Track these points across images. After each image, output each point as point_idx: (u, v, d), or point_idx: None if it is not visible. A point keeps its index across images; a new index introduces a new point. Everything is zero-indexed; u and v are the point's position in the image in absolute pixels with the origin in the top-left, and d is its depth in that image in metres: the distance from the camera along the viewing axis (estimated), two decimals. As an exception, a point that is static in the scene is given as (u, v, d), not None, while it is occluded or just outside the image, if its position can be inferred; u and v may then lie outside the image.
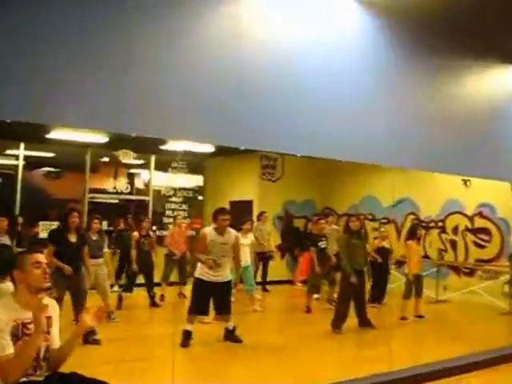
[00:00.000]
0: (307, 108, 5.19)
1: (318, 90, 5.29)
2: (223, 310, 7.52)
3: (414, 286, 9.38)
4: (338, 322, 8.41)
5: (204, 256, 7.21)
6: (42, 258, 3.38)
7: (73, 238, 7.25)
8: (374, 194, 13.69)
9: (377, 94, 5.86)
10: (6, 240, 8.10)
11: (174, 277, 10.59)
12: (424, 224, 12.42)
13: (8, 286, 3.77)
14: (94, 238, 8.40)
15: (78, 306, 7.02)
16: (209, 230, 7.35)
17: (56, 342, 3.43)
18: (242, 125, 4.85)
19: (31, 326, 3.24)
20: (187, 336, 7.24)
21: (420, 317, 9.48)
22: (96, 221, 8.56)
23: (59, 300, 6.56)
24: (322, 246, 10.21)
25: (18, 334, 3.19)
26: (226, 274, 7.43)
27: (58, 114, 3.98)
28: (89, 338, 6.96)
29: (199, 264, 7.36)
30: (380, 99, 5.88)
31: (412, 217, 12.99)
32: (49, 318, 3.38)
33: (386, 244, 10.99)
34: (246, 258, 9.70)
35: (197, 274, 7.39)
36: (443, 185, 11.79)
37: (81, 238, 7.38)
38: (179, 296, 10.33)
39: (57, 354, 3.38)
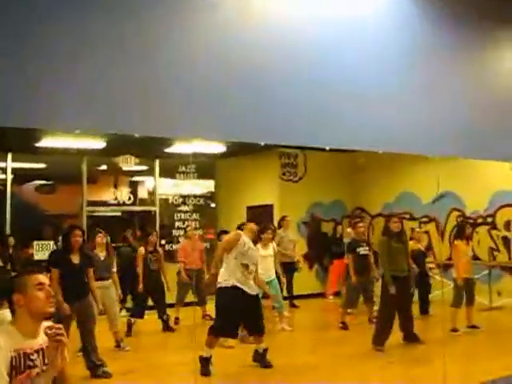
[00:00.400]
0: (336, 95, 5.12)
1: (345, 74, 5.23)
2: (257, 328, 7.43)
3: (465, 291, 9.25)
4: (380, 338, 8.29)
5: (233, 260, 7.17)
6: (44, 278, 3.32)
7: (76, 260, 7.15)
8: (411, 190, 13.53)
9: (413, 75, 5.79)
10: (-1, 264, 8.14)
11: (189, 296, 10.45)
12: (471, 221, 12.26)
13: (4, 314, 3.71)
14: (102, 256, 8.36)
15: (86, 334, 7.03)
16: (243, 233, 7.43)
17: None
18: (260, 117, 4.79)
19: (34, 357, 3.19)
20: (207, 363, 7.04)
21: (474, 327, 9.34)
22: (100, 235, 8.50)
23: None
24: (362, 253, 10.04)
25: (20, 365, 3.14)
26: (255, 286, 7.39)
27: (48, 116, 3.95)
28: (98, 371, 6.93)
29: (225, 271, 7.22)
30: (416, 81, 5.80)
31: (456, 213, 12.84)
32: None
33: (421, 246, 10.87)
34: (270, 271, 9.62)
35: (223, 282, 7.16)
36: (490, 175, 11.62)
37: (85, 258, 7.30)
38: (204, 318, 10.19)
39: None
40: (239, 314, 7.20)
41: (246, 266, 7.17)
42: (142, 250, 9.85)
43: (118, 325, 8.56)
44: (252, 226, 7.58)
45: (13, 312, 3.29)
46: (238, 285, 7.12)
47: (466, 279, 9.29)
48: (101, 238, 8.47)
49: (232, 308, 7.10)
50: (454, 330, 9.09)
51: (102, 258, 8.36)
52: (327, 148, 5.25)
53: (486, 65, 6.57)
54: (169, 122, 4.37)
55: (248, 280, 7.22)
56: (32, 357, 3.20)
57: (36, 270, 3.40)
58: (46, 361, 3.26)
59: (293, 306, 12.29)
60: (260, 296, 7.83)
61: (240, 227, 7.74)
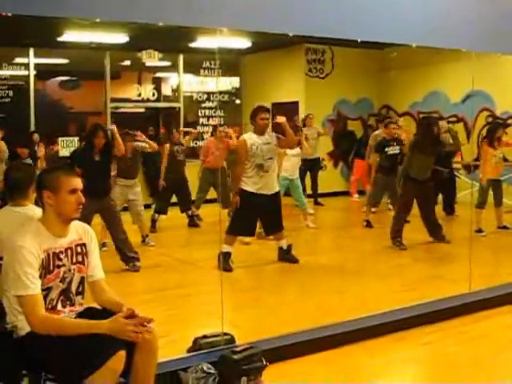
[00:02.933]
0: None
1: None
2: (275, 226, 7.43)
3: (493, 193, 9.12)
4: (393, 229, 8.37)
5: (248, 163, 7.06)
6: (79, 183, 3.20)
7: (98, 157, 7.17)
8: (440, 89, 13.19)
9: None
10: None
11: (212, 193, 10.36)
12: (501, 121, 11.94)
13: (32, 209, 3.65)
14: (128, 159, 8.32)
15: (113, 231, 7.16)
16: (247, 135, 7.23)
17: (95, 273, 3.32)
18: (288, 7, 4.53)
19: (63, 256, 3.15)
20: (227, 258, 7.06)
21: (505, 228, 9.31)
22: (129, 141, 8.41)
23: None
24: (391, 153, 9.74)
25: (50, 265, 3.09)
26: (274, 183, 7.31)
27: (68, 3, 3.74)
28: (129, 264, 7.11)
29: (244, 177, 7.17)
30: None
31: (486, 113, 12.51)
32: (82, 245, 3.27)
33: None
34: (294, 170, 9.56)
35: (243, 185, 7.16)
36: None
37: (107, 155, 7.29)
38: (229, 215, 10.13)
39: (97, 288, 3.31)
40: (256, 214, 7.25)
41: (261, 166, 7.06)
42: (167, 146, 9.79)
43: (142, 220, 8.63)
44: (261, 118, 7.06)
45: (43, 207, 3.21)
46: (255, 191, 7.09)
47: (492, 180, 9.13)
48: (130, 144, 8.39)
49: (249, 210, 7.11)
50: (479, 230, 8.97)
51: (128, 161, 8.33)
52: (359, 40, 4.97)
53: None
54: (193, 11, 4.13)
55: (266, 179, 7.11)
56: (61, 255, 3.16)
57: (73, 172, 3.29)
58: (74, 260, 3.22)
59: (317, 203, 12.28)
60: (282, 193, 7.77)
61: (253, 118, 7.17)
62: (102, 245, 7.70)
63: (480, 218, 9.04)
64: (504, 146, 9.49)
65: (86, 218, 6.60)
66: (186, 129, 11.51)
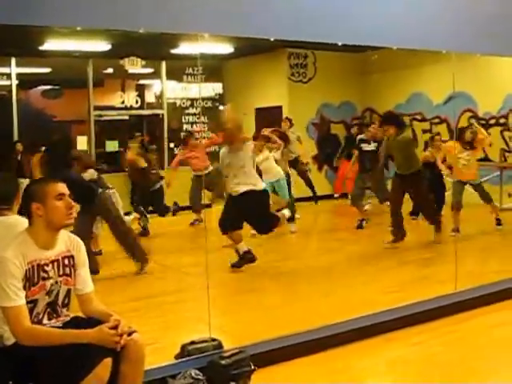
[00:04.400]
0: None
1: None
2: (259, 226, 7.77)
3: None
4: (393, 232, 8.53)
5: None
6: (64, 188, 3.17)
7: None
8: (422, 90, 13.27)
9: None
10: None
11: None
12: (483, 122, 12.03)
13: (16, 219, 3.64)
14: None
15: (115, 233, 7.31)
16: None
17: (84, 286, 3.27)
18: (269, 12, 4.54)
19: (49, 269, 3.11)
20: (247, 254, 7.36)
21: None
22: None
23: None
24: (365, 149, 9.99)
25: (34, 277, 3.06)
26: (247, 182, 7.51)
27: (49, 12, 3.73)
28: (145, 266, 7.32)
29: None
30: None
31: (469, 114, 12.59)
32: (69, 257, 3.23)
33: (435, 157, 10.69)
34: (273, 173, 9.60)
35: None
36: (505, 76, 11.34)
37: None
38: None
39: (85, 300, 3.28)
40: (237, 212, 7.36)
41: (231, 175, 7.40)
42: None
43: None
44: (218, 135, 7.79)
45: (30, 219, 3.17)
46: (231, 193, 7.48)
47: (462, 183, 9.25)
48: None
49: (228, 208, 7.51)
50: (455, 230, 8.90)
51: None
52: (339, 43, 4.99)
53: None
54: (174, 17, 4.13)
55: (237, 182, 7.37)
56: (46, 268, 3.12)
57: (55, 179, 3.27)
58: (61, 272, 3.18)
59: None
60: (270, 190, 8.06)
61: None
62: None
63: (456, 218, 9.03)
64: (485, 146, 9.60)
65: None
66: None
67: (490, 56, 7.92)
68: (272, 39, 4.68)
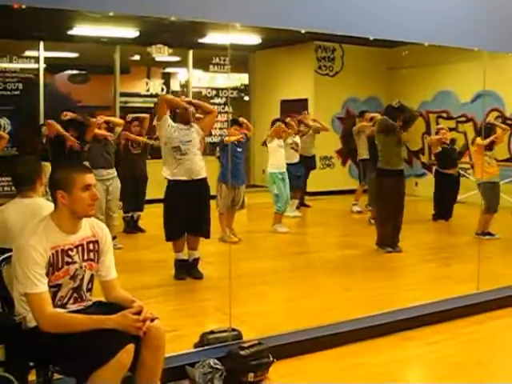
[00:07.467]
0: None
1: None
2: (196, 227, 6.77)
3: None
4: (381, 238, 8.09)
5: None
6: (92, 179, 3.17)
7: None
8: (449, 88, 13.16)
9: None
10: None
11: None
12: (510, 122, 11.89)
13: (41, 201, 3.69)
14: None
15: None
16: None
17: (108, 273, 3.29)
18: (300, 3, 4.52)
19: (73, 253, 3.13)
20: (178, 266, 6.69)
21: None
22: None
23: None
24: None
25: (58, 262, 3.07)
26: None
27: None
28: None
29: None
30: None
31: (495, 114, 12.46)
32: (94, 242, 3.24)
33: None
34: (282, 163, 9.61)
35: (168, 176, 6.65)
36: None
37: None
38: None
39: (109, 287, 3.29)
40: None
41: (178, 148, 6.41)
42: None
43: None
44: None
45: (55, 204, 3.17)
46: (175, 178, 6.44)
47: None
48: None
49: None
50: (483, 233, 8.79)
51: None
52: (371, 38, 4.95)
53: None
54: (206, 6, 4.13)
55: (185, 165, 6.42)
56: (71, 253, 3.13)
57: (85, 168, 3.28)
58: (85, 257, 3.19)
59: (303, 205, 11.88)
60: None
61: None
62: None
63: (485, 220, 8.86)
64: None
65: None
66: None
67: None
68: (303, 31, 4.65)
